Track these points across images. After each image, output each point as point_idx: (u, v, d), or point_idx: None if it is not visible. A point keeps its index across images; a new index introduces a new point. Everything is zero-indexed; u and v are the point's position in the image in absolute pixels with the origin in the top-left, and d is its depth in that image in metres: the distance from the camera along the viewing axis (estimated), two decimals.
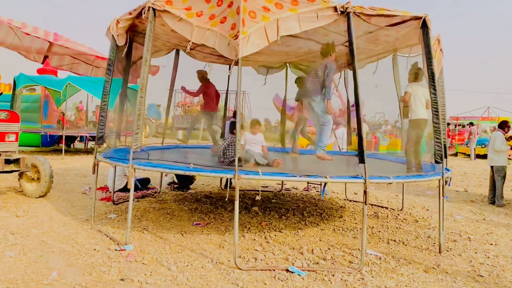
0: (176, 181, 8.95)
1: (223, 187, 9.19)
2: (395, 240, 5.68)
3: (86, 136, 17.40)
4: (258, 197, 4.78)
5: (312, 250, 5.08)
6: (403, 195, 7.84)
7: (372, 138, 20.57)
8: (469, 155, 20.51)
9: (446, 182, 5.36)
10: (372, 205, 8.07)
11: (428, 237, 5.97)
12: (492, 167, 8.78)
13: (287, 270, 4.35)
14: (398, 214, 7.30)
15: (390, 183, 4.66)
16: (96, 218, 6.07)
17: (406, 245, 5.53)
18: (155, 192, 8.28)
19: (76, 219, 6.07)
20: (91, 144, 18.28)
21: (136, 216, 6.30)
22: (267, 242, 5.34)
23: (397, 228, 6.38)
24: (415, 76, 6.00)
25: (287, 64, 9.17)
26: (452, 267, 4.75)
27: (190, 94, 9.19)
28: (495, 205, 8.55)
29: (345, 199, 8.47)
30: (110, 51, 6.01)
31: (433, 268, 4.68)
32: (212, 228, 5.93)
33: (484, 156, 21.00)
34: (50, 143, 16.85)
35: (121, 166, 5.77)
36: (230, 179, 7.42)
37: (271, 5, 4.64)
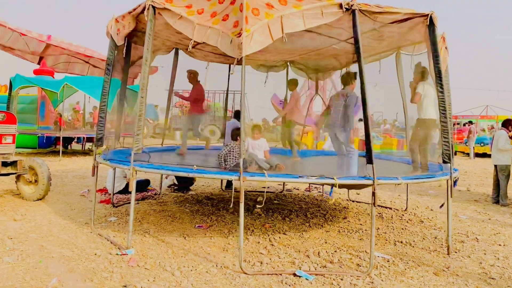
0: (176, 183, 8.82)
1: (223, 188, 9.06)
2: (401, 242, 5.58)
3: (83, 138, 17.22)
4: (260, 198, 4.66)
5: (319, 253, 4.96)
6: (407, 196, 7.73)
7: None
8: (468, 154, 20.46)
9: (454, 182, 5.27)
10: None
11: (435, 238, 5.86)
12: (495, 166, 8.69)
13: (294, 274, 4.24)
14: (403, 215, 7.20)
15: (399, 184, 4.55)
16: (95, 221, 5.93)
17: (413, 246, 5.42)
18: (155, 194, 8.15)
19: (75, 223, 5.93)
20: (88, 145, 18.13)
21: (137, 219, 6.16)
22: (272, 245, 5.22)
23: (402, 229, 6.27)
24: (422, 74, 5.89)
25: (288, 64, 9.05)
26: (462, 269, 4.64)
27: (184, 99, 8.84)
28: (499, 204, 8.45)
29: (348, 200, 8.36)
30: (109, 51, 5.87)
31: (443, 270, 4.57)
32: (215, 230, 5.81)
33: (483, 155, 21.02)
34: (47, 145, 16.67)
35: (122, 169, 5.63)
36: (231, 180, 7.37)
37: (274, 2, 4.52)
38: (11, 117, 7.30)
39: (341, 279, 4.19)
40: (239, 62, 4.46)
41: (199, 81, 8.32)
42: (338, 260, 4.76)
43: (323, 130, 6.32)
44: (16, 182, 7.46)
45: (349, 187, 5.72)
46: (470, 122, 22.45)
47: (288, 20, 4.53)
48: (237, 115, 9.45)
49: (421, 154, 5.73)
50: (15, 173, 7.23)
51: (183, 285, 3.94)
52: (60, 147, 14.23)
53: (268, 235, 5.60)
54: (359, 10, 4.61)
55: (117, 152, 6.20)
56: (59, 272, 4.12)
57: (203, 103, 8.51)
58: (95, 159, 5.75)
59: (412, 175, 4.93)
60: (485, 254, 5.22)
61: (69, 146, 17.60)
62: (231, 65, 9.07)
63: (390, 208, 7.72)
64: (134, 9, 5.24)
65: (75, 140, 18.36)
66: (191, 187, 8.90)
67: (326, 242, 5.42)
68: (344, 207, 7.66)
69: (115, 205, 7.07)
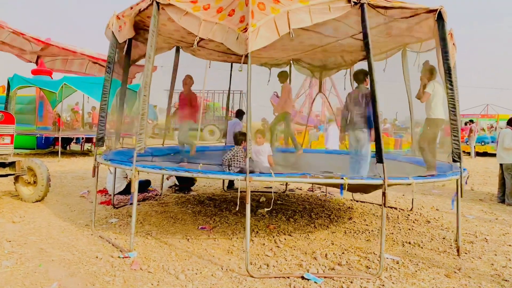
0: (177, 183, 8.68)
1: (225, 188, 8.93)
2: (410, 243, 5.45)
3: (82, 138, 17.06)
4: (263, 199, 4.52)
5: (326, 254, 4.83)
6: (413, 195, 7.61)
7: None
8: (468, 153, 20.35)
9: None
10: (380, 205, 7.81)
11: (443, 238, 5.74)
12: (501, 165, 8.57)
13: (303, 277, 4.11)
14: (409, 215, 7.07)
15: (409, 184, 4.42)
16: (96, 222, 5.80)
17: (422, 247, 5.29)
18: (156, 195, 8.01)
19: (75, 224, 5.79)
20: (87, 146, 17.97)
21: (138, 221, 6.03)
22: (278, 246, 5.09)
23: (409, 229, 6.15)
24: (430, 72, 5.76)
25: (291, 62, 8.92)
26: (474, 271, 4.52)
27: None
28: (505, 203, 8.33)
29: (352, 200, 8.23)
30: (110, 49, 5.73)
31: (455, 272, 4.44)
32: (218, 232, 5.67)
33: (483, 154, 20.93)
34: (46, 145, 16.51)
35: (125, 169, 5.49)
36: (233, 180, 7.27)
37: None
38: (9, 117, 7.16)
39: (351, 282, 4.06)
40: (246, 59, 4.34)
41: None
42: (346, 262, 4.63)
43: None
44: (14, 183, 7.31)
45: (357, 189, 5.58)
46: (471, 121, 22.34)
47: (294, 15, 4.40)
48: (239, 114, 9.33)
49: (430, 154, 5.60)
50: (13, 174, 7.08)
51: None
52: (59, 148, 14.08)
53: (273, 237, 5.47)
54: (368, 4, 4.48)
55: (118, 153, 6.06)
56: (60, 276, 3.98)
57: (195, 111, 8.47)
58: (95, 160, 5.61)
59: (422, 175, 4.78)
60: (495, 255, 5.09)
61: (68, 147, 17.44)
62: (233, 64, 8.98)
63: (396, 208, 7.59)
64: (137, 5, 5.10)
65: (74, 140, 18.20)
66: (192, 188, 8.77)
67: (332, 244, 5.29)
68: (349, 207, 7.54)
69: (116, 206, 6.94)
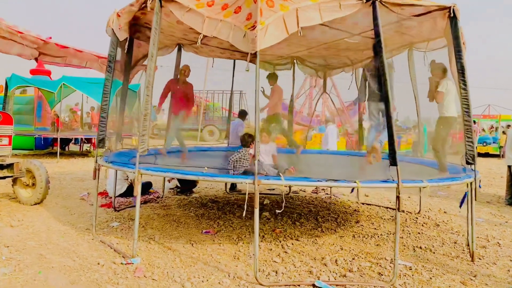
0: (178, 185, 8.50)
1: (228, 190, 8.76)
2: (421, 247, 5.29)
3: (81, 139, 16.87)
4: (266, 201, 4.34)
5: (336, 260, 4.66)
6: (420, 198, 7.44)
7: (350, 137, 20.24)
8: None
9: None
10: (387, 208, 7.67)
11: (455, 243, 5.58)
12: (509, 166, 8.42)
13: (314, 285, 3.94)
14: (417, 218, 6.91)
15: (424, 187, 4.26)
16: (97, 226, 5.62)
17: (434, 252, 5.13)
18: (158, 197, 7.84)
19: (75, 228, 5.61)
20: (86, 146, 17.78)
21: (141, 224, 5.85)
22: (285, 252, 4.92)
23: (419, 233, 5.99)
24: (443, 71, 5.59)
25: (295, 61, 8.75)
26: (491, 277, 4.36)
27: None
28: None
29: (357, 202, 8.07)
30: (111, 47, 5.56)
31: (470, 279, 4.28)
32: (223, 236, 5.50)
33: (485, 155, 20.79)
34: (44, 146, 16.31)
35: (127, 172, 5.31)
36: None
37: None
38: (7, 117, 6.97)
39: None
40: (252, 57, 4.17)
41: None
42: (358, 268, 4.47)
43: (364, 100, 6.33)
44: (12, 185, 7.12)
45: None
46: (473, 122, 22.20)
47: (304, 13, 4.24)
48: (242, 115, 9.17)
49: (442, 154, 5.44)
50: (11, 176, 6.89)
51: None
52: (57, 149, 13.89)
53: (280, 241, 5.30)
54: (380, 1, 4.32)
55: (119, 154, 5.89)
56: (60, 285, 3.81)
57: (191, 103, 7.98)
58: (96, 162, 5.43)
59: (437, 178, 4.63)
60: (511, 260, 4.93)
61: (66, 148, 17.24)
62: (235, 62, 8.81)
63: (403, 211, 7.43)
64: (137, 1, 4.93)
65: (73, 141, 18.01)
66: (194, 190, 8.59)
67: (342, 249, 5.13)
68: (355, 210, 7.37)
69: (117, 209, 6.76)
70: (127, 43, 5.90)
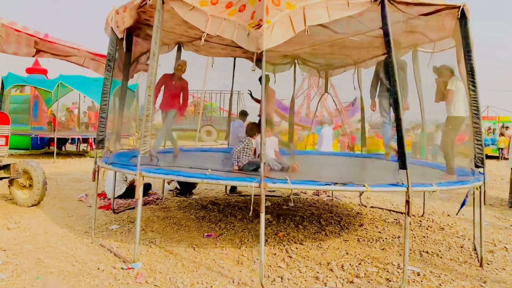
0: (178, 186, 8.37)
1: (228, 192, 8.63)
2: (427, 252, 5.18)
3: (78, 138, 16.69)
4: (268, 203, 4.18)
5: (342, 265, 4.55)
6: (424, 200, 7.33)
7: (349, 138, 20.18)
8: None
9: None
10: (390, 210, 7.57)
11: (461, 247, 5.47)
12: None
13: None
14: (421, 221, 6.81)
15: (434, 191, 4.15)
16: (96, 229, 5.48)
17: (441, 257, 5.02)
18: (157, 199, 7.71)
19: (74, 231, 5.47)
20: (83, 146, 17.60)
21: (141, 227, 5.63)
22: (290, 257, 4.79)
23: (424, 237, 5.88)
24: (451, 71, 5.49)
25: (296, 61, 8.64)
26: (501, 284, 4.25)
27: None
28: None
29: (359, 204, 7.96)
30: (110, 45, 5.43)
31: (480, 286, 4.18)
32: (225, 240, 5.37)
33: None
34: (41, 146, 16.12)
35: (128, 174, 5.18)
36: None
37: None
38: (4, 117, 6.81)
39: None
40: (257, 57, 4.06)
41: None
42: (365, 274, 4.35)
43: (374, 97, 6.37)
44: (9, 186, 6.97)
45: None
46: None
47: (311, 11, 4.13)
48: (242, 115, 9.05)
49: (450, 156, 5.33)
50: (8, 177, 6.74)
51: None
52: (54, 149, 13.71)
53: (284, 246, 5.18)
54: (389, 0, 4.21)
55: (118, 155, 5.75)
56: None
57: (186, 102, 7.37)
58: (95, 163, 5.30)
59: (445, 181, 4.52)
60: None
61: (63, 148, 17.06)
62: (236, 61, 8.69)
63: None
64: None
65: (70, 141, 17.83)
66: (193, 191, 8.46)
67: (347, 253, 5.01)
68: (358, 213, 7.26)
69: (116, 211, 6.62)
70: (126, 41, 5.78)
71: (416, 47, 6.75)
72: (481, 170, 4.74)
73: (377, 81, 6.37)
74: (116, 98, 6.21)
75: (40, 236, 5.21)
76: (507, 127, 23.92)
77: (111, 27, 5.26)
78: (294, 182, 3.91)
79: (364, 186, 3.88)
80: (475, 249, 5.36)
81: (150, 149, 4.44)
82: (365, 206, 7.81)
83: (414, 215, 7.21)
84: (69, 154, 15.85)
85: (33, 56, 15.33)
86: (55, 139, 13.47)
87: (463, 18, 4.68)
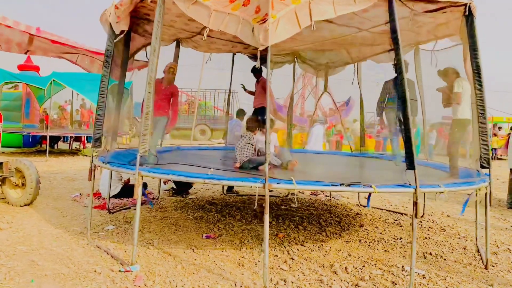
0: (174, 186, 8.21)
1: (225, 192, 8.50)
2: (431, 254, 5.09)
3: (71, 137, 16.44)
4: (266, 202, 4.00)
5: (346, 268, 4.44)
6: (424, 201, 7.25)
7: (338, 137, 20.19)
8: None
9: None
10: (389, 211, 7.49)
11: (464, 248, 5.40)
12: (511, 169, 8.28)
13: None
14: (421, 222, 6.72)
15: (441, 192, 4.05)
16: (91, 230, 5.32)
17: (445, 259, 4.93)
18: (153, 198, 7.56)
19: (69, 232, 5.32)
20: (75, 144, 17.35)
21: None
22: (292, 259, 4.68)
23: (426, 238, 5.80)
24: (456, 72, 5.40)
25: (295, 59, 8.53)
26: (508, 287, 4.17)
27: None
28: None
29: (358, 205, 7.87)
30: (108, 41, 5.28)
31: None
32: (225, 241, 5.25)
33: None
34: (33, 144, 15.85)
35: (127, 173, 5.03)
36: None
37: None
38: None
39: None
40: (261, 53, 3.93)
41: None
42: (369, 277, 4.24)
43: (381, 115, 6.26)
44: (1, 185, 6.78)
45: None
46: None
47: (316, 6, 4.00)
48: (239, 114, 8.93)
49: (454, 158, 5.25)
50: (0, 176, 6.56)
51: None
52: (47, 147, 13.47)
53: (285, 247, 5.07)
54: None
55: (115, 154, 5.60)
56: None
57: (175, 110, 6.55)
58: (92, 162, 5.15)
59: (452, 182, 4.43)
60: None
61: (55, 146, 16.80)
62: (234, 57, 8.56)
63: (406, 214, 7.24)
64: None
65: (62, 139, 17.57)
66: (189, 191, 8.32)
67: (350, 255, 4.90)
68: (357, 213, 7.17)
69: (111, 211, 6.46)
70: (124, 38, 5.62)
71: (418, 45, 6.67)
72: (487, 171, 4.66)
73: (384, 98, 6.21)
74: (110, 96, 6.03)
75: (33, 237, 5.05)
76: (500, 128, 24.03)
77: (110, 22, 5.11)
78: (300, 183, 3.79)
79: (371, 187, 3.78)
80: (478, 251, 5.29)
81: (150, 148, 4.30)
82: (364, 207, 7.71)
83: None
84: (61, 153, 15.60)
85: (25, 53, 15.04)
86: (48, 137, 13.23)
87: (469, 16, 4.60)
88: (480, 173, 4.78)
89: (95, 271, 4.05)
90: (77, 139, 17.05)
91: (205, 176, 4.03)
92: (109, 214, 6.32)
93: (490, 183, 4.62)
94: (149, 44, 6.23)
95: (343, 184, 3.83)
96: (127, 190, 7.35)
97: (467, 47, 4.71)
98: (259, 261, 4.53)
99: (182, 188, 8.13)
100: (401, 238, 5.71)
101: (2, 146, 11.69)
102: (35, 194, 6.56)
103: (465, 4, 4.56)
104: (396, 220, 6.80)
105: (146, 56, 6.63)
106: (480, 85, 4.60)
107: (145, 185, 7.91)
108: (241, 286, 3.87)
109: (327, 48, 7.42)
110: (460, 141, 5.34)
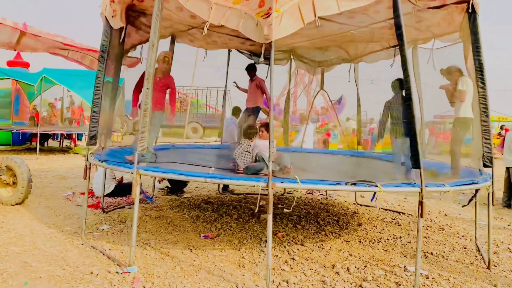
0: (168, 185, 8.08)
1: (220, 191, 8.39)
2: (432, 253, 5.04)
3: (61, 134, 16.18)
4: (263, 202, 3.90)
5: (348, 268, 4.36)
6: (428, 202, 7.18)
7: (325, 135, 20.18)
8: None
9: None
10: (387, 210, 7.44)
11: (465, 248, 5.36)
12: (507, 168, 8.27)
13: None
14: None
15: (446, 192, 3.99)
16: (86, 230, 5.18)
17: (446, 259, 4.88)
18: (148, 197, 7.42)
19: (62, 232, 5.18)
20: (66, 142, 17.09)
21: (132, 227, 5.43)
22: (293, 259, 4.59)
23: (425, 237, 5.75)
24: (459, 70, 5.35)
25: (292, 57, 8.44)
26: (511, 287, 4.13)
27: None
28: (511, 208, 8.06)
29: (355, 204, 7.81)
30: (103, 36, 5.14)
31: None
32: (223, 241, 5.14)
33: None
34: (22, 141, 15.57)
35: (125, 172, 4.90)
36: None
37: None
38: None
39: None
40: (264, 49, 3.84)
41: None
42: (372, 277, 4.17)
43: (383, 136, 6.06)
44: None
45: None
46: None
47: (320, 2, 3.92)
48: (235, 112, 8.82)
49: (456, 157, 5.20)
50: None
51: None
52: (37, 144, 13.23)
53: (285, 247, 4.98)
54: None
55: (112, 152, 5.46)
56: None
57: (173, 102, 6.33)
58: (87, 160, 5.01)
59: (457, 181, 4.36)
60: None
61: (45, 143, 16.53)
62: (230, 53, 8.44)
63: (403, 213, 7.19)
64: None
65: (52, 136, 17.29)
66: (184, 189, 8.20)
67: (351, 255, 4.83)
68: (355, 212, 7.11)
69: (105, 210, 6.32)
70: (120, 33, 5.48)
71: (416, 42, 6.61)
72: (489, 170, 4.61)
73: (386, 118, 6.04)
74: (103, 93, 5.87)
75: (26, 237, 4.90)
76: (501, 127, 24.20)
77: (105, 16, 4.97)
78: (304, 182, 3.70)
79: (376, 186, 3.70)
80: (478, 250, 5.25)
81: (148, 146, 4.18)
82: (362, 205, 7.65)
83: (411, 215, 7.09)
84: (52, 150, 15.33)
85: (14, 50, 14.73)
86: (38, 135, 13.00)
87: (472, 13, 4.55)
88: (482, 172, 4.73)
89: (92, 273, 3.93)
90: (68, 136, 16.80)
91: (207, 175, 3.92)
92: (103, 213, 6.18)
93: (492, 182, 4.58)
94: (145, 40, 6.12)
95: (348, 183, 3.75)
96: (121, 189, 7.22)
97: (469, 45, 4.67)
98: (259, 262, 4.44)
99: (177, 187, 8.00)
100: (400, 237, 5.66)
101: None
102: (27, 193, 6.39)
103: (468, 1, 4.51)
104: (394, 219, 6.75)
105: (141, 53, 6.51)
106: (483, 83, 4.55)
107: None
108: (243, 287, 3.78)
109: (325, 45, 7.33)
110: (462, 141, 5.29)
